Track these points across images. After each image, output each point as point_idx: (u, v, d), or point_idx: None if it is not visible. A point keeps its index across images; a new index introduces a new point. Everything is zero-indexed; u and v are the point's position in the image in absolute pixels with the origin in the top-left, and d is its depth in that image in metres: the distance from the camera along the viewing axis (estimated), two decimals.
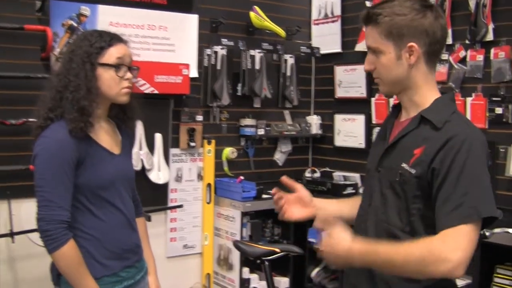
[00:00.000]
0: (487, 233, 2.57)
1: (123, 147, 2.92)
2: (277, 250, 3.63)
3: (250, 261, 4.72)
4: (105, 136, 2.81)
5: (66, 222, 2.57)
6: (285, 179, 2.64)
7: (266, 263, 3.61)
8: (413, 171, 2.18)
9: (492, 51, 4.37)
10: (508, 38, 4.31)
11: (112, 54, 2.72)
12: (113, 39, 2.76)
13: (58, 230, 2.54)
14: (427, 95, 2.30)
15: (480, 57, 4.45)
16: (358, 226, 2.47)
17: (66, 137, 2.60)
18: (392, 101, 5.04)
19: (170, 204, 4.95)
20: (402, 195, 2.23)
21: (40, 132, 2.65)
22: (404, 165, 2.22)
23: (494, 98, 4.37)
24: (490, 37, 4.40)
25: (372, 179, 2.43)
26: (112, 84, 2.72)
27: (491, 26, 4.38)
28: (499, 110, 4.33)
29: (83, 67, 2.67)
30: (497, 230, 2.85)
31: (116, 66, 2.72)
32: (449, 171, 2.09)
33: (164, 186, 4.91)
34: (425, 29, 2.23)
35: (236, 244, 3.81)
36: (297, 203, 2.62)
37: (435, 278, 2.08)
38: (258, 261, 3.66)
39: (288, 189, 2.66)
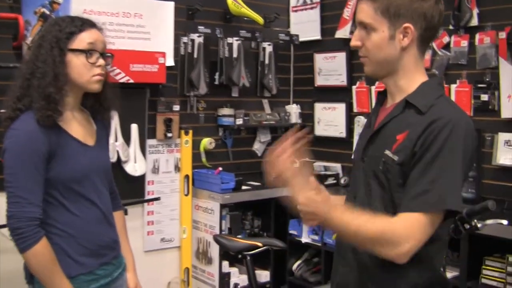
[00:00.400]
0: (478, 225, 2.46)
1: (98, 138, 2.79)
2: (259, 244, 3.52)
3: (230, 255, 4.61)
4: (77, 126, 2.67)
5: (38, 219, 2.44)
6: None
7: (248, 257, 3.49)
8: (396, 157, 2.09)
9: (477, 36, 4.28)
10: (493, 23, 4.22)
11: (83, 39, 2.58)
12: (85, 24, 2.63)
13: (30, 228, 2.42)
14: (413, 79, 2.20)
15: (465, 43, 4.36)
16: None
17: (35, 129, 2.47)
18: (373, 89, 4.95)
19: (147, 197, 4.81)
20: (386, 184, 2.13)
21: (10, 124, 2.52)
22: (387, 152, 2.12)
23: (479, 85, 4.28)
24: (474, 22, 4.30)
25: (357, 169, 2.33)
26: (83, 70, 2.59)
27: (475, 11, 4.29)
28: (484, 97, 4.24)
29: (51, 53, 2.53)
30: (489, 221, 2.74)
31: (87, 52, 2.58)
32: (426, 151, 2.01)
33: (141, 178, 4.76)
34: (424, 12, 2.12)
35: (216, 239, 3.69)
36: None
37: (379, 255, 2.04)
38: (240, 256, 3.55)
39: None
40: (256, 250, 3.51)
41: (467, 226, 2.30)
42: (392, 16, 2.12)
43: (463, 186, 2.07)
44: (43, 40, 2.58)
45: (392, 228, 1.99)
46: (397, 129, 2.14)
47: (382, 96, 2.37)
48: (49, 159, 2.50)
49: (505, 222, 2.94)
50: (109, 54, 2.71)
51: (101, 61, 2.62)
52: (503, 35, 4.11)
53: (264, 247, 3.53)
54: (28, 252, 2.42)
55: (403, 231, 1.98)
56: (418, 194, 1.99)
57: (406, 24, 2.12)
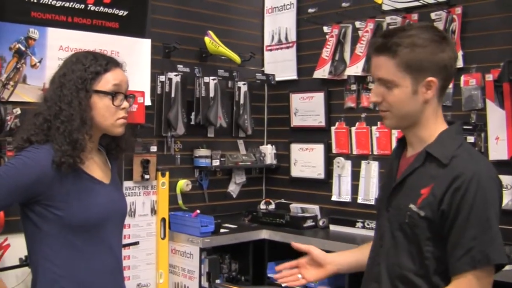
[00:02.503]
0: None
1: (113, 177, 2.65)
2: None
3: None
4: (96, 168, 2.53)
5: None
6: (295, 245, 2.58)
7: None
8: (422, 213, 2.09)
9: (462, 78, 4.26)
10: (478, 65, 4.22)
11: (108, 81, 2.45)
12: (110, 63, 2.49)
13: None
14: (433, 129, 2.20)
15: (450, 85, 4.33)
16: (370, 269, 2.37)
17: (46, 166, 2.32)
18: (354, 130, 4.91)
19: (124, 241, 4.61)
20: (413, 237, 2.13)
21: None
22: (411, 206, 2.12)
23: (465, 127, 4.24)
24: (459, 64, 4.26)
25: (382, 219, 2.32)
26: (107, 114, 2.45)
27: (460, 53, 4.27)
28: (471, 139, 4.20)
29: (77, 95, 2.39)
30: (507, 267, 2.68)
31: (113, 94, 2.44)
32: (457, 214, 2.01)
33: None
34: (445, 64, 2.14)
35: None
36: (311, 265, 2.53)
37: None
38: None
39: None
40: None
41: None
42: (414, 71, 2.11)
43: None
44: (66, 79, 2.42)
45: None
46: (421, 183, 2.14)
47: (402, 144, 2.36)
48: (48, 199, 2.35)
49: None
50: (131, 96, 2.57)
51: (125, 104, 2.49)
52: (490, 77, 4.12)
53: None
54: None
55: None
56: (463, 254, 1.99)
57: (430, 78, 2.12)
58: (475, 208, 1.99)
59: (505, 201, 4.02)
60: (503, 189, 4.02)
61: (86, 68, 2.42)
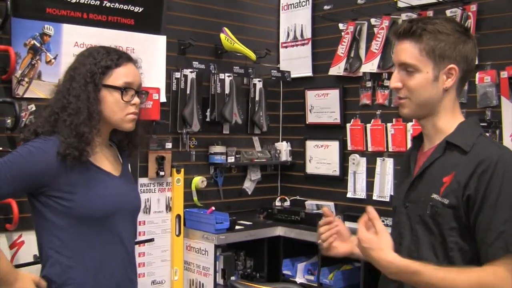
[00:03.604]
0: None
1: (124, 171, 2.65)
2: None
3: None
4: (104, 160, 2.54)
5: None
6: (326, 209, 2.51)
7: None
8: (446, 201, 2.08)
9: (477, 75, 4.23)
10: (493, 62, 4.20)
11: (119, 75, 2.45)
12: (122, 58, 2.50)
13: None
14: (452, 121, 2.21)
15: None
16: None
17: (52, 157, 2.33)
18: (369, 127, 4.89)
19: (138, 238, 4.62)
20: (436, 229, 2.12)
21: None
22: (434, 195, 2.12)
23: (480, 124, 4.21)
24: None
25: (400, 216, 2.32)
26: (116, 109, 2.46)
27: None
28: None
29: (86, 88, 2.40)
30: None
31: (122, 89, 2.44)
32: (485, 198, 2.00)
33: None
34: (466, 55, 2.16)
35: (232, 285, 3.53)
36: (337, 238, 2.48)
37: None
38: None
39: None
40: None
41: None
42: (437, 57, 2.14)
43: None
44: (76, 72, 2.43)
45: (488, 278, 1.97)
46: (442, 172, 2.14)
47: (418, 140, 2.38)
48: (54, 191, 2.37)
49: None
50: (144, 92, 2.57)
51: (136, 100, 2.49)
52: (505, 74, 4.09)
53: None
54: None
55: (498, 279, 1.96)
56: (494, 239, 1.97)
57: (451, 65, 2.14)
58: (504, 191, 1.99)
59: None
60: None
61: (96, 62, 2.43)
